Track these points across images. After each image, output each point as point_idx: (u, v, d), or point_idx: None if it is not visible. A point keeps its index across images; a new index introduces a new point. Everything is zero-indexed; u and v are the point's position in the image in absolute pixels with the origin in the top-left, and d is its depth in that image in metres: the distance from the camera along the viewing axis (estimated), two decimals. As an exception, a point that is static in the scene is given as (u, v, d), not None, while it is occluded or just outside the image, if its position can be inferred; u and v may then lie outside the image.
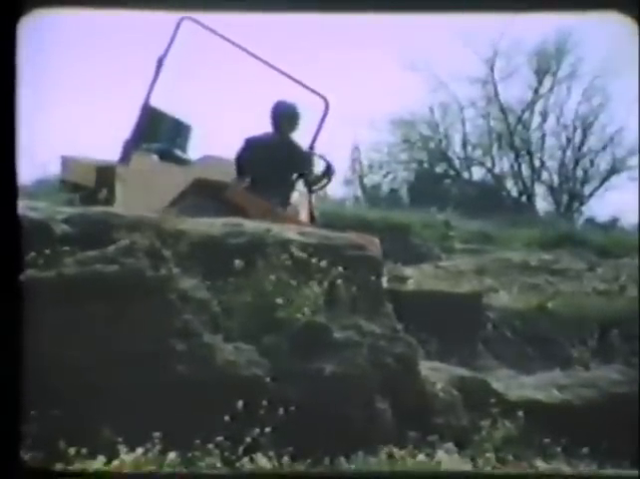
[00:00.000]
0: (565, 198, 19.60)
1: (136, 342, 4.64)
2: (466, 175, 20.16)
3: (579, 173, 19.61)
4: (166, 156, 7.33)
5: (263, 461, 4.37)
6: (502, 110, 19.66)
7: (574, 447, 5.16)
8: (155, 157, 7.29)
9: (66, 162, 7.78)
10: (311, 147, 7.49)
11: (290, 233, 5.40)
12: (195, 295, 4.93)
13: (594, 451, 5.16)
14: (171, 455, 4.23)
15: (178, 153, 7.45)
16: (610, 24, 3.72)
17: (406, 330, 5.32)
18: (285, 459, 4.42)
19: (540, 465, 5.02)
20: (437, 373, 5.41)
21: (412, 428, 4.88)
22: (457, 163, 20.12)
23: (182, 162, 7.36)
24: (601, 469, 5.09)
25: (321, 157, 7.28)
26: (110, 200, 7.05)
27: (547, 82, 19.63)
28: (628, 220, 17.72)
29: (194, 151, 7.78)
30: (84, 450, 4.13)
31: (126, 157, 7.30)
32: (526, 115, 19.76)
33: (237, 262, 5.07)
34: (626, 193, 19.78)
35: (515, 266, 8.82)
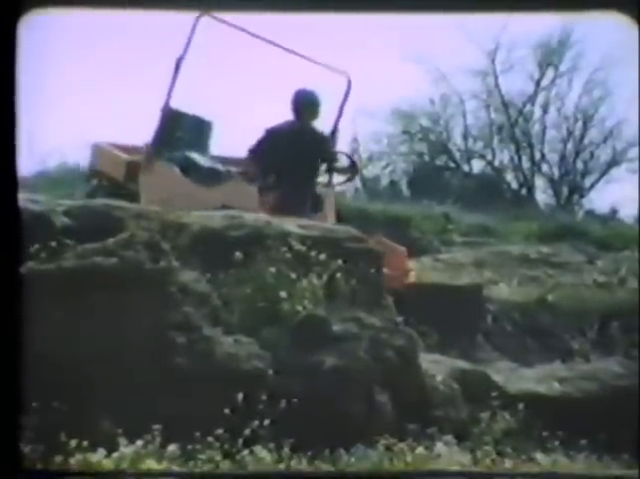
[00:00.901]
0: (565, 190, 19.57)
1: (135, 335, 4.64)
2: (466, 167, 20.12)
3: (579, 165, 19.58)
4: (189, 166, 7.17)
5: (263, 453, 4.37)
6: (503, 102, 19.63)
7: (574, 440, 5.16)
8: (177, 170, 7.12)
9: (96, 150, 7.68)
10: (336, 124, 7.47)
11: (290, 225, 5.40)
12: (195, 288, 4.93)
13: (594, 443, 5.17)
14: (171, 448, 4.23)
15: (201, 162, 7.27)
16: (610, 24, 3.72)
17: (406, 323, 5.33)
18: (285, 451, 4.43)
19: (540, 458, 5.02)
20: (437, 366, 5.42)
21: (411, 421, 4.89)
22: (457, 155, 20.09)
23: (205, 174, 7.14)
24: (600, 461, 5.10)
25: (344, 153, 7.28)
26: (135, 197, 6.98)
27: (549, 74, 19.60)
28: (628, 212, 17.74)
29: (217, 146, 7.73)
30: (84, 443, 4.14)
31: (149, 162, 7.20)
32: (527, 107, 19.73)
33: (237, 255, 5.06)
34: (626, 185, 19.78)
35: (515, 259, 8.82)
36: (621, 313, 6.95)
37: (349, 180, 7.35)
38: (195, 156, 7.33)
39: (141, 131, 7.81)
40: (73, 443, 4.13)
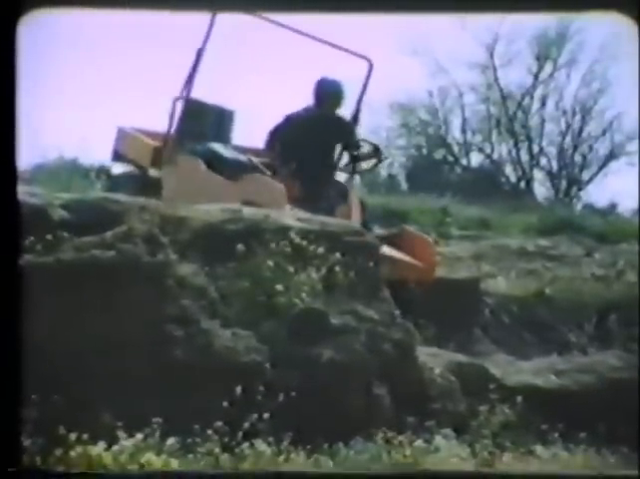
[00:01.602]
0: (564, 183, 19.59)
1: (134, 328, 4.64)
2: (464, 160, 20.14)
3: (578, 158, 19.60)
4: (213, 159, 7.04)
5: (262, 447, 4.38)
6: (502, 95, 19.63)
7: (572, 432, 5.17)
8: (201, 164, 7.01)
9: (121, 134, 7.58)
10: (357, 108, 7.43)
11: (289, 219, 5.40)
12: (193, 281, 4.94)
13: (592, 436, 5.18)
14: (171, 441, 4.24)
15: (224, 153, 7.14)
16: (610, 24, 3.71)
17: (403, 316, 5.33)
18: (284, 444, 4.44)
19: (539, 451, 5.03)
20: (434, 359, 5.42)
21: (410, 414, 4.90)
22: (455, 148, 20.09)
23: (229, 166, 6.99)
24: (599, 454, 5.11)
25: (366, 140, 7.23)
26: (159, 185, 6.91)
27: (548, 67, 19.60)
28: (626, 205, 17.75)
29: (240, 135, 7.62)
30: (84, 436, 4.14)
31: (172, 154, 7.11)
32: (526, 101, 19.73)
33: (236, 249, 5.07)
34: (625, 178, 19.79)
35: (513, 252, 8.83)
36: (619, 306, 6.96)
37: (375, 165, 7.27)
38: (219, 147, 7.20)
39: (153, 121, 7.77)
40: (72, 436, 4.14)
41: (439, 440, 4.78)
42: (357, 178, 7.29)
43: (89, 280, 4.68)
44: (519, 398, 5.23)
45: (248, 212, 5.42)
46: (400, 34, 18.13)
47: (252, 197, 6.49)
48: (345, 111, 7.23)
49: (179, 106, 7.24)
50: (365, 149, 7.07)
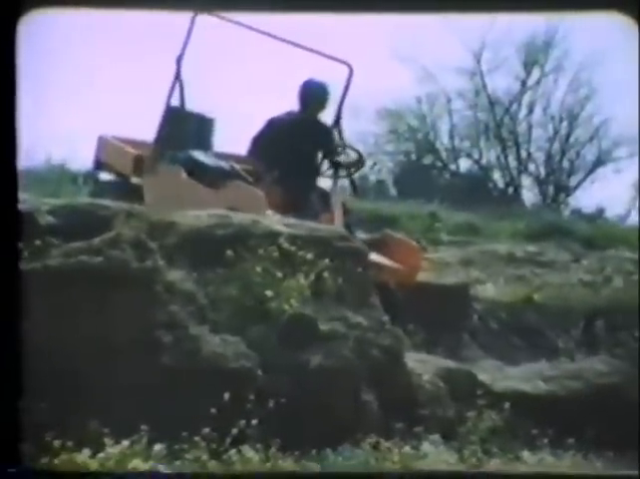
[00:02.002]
0: (552, 189, 19.64)
1: (121, 334, 4.63)
2: (453, 166, 20.18)
3: (565, 164, 19.66)
4: (194, 167, 7.01)
5: (250, 453, 4.37)
6: (490, 101, 19.68)
7: (560, 438, 5.18)
8: (182, 172, 6.99)
9: (102, 143, 7.54)
10: (338, 114, 7.40)
11: (277, 224, 5.40)
12: (182, 287, 4.93)
13: (580, 442, 5.19)
14: (158, 447, 4.23)
15: (205, 161, 7.11)
16: (610, 24, 3.73)
17: (392, 322, 5.33)
18: (272, 451, 4.43)
19: (526, 456, 5.04)
20: (423, 365, 5.43)
21: (398, 420, 4.90)
22: (444, 154, 20.13)
23: (210, 174, 6.97)
24: (586, 459, 5.12)
25: (349, 146, 7.21)
26: (141, 193, 6.88)
27: (535, 74, 19.66)
28: (614, 211, 17.81)
29: (221, 143, 7.59)
30: (69, 443, 4.13)
31: (153, 162, 7.10)
32: (514, 107, 19.79)
33: (224, 254, 5.06)
34: (612, 184, 19.87)
35: (502, 258, 8.84)
36: (606, 312, 6.98)
37: (354, 172, 7.26)
38: (200, 155, 7.18)
39: (137, 131, 7.76)
40: (58, 443, 4.12)
41: (426, 446, 4.78)
42: (342, 183, 7.26)
43: (77, 286, 4.66)
44: (507, 404, 5.24)
45: (237, 217, 5.41)
46: (387, 40, 18.17)
47: (233, 204, 6.48)
48: (328, 115, 7.24)
49: (161, 114, 7.25)
50: (347, 154, 7.07)
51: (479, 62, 19.40)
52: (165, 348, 4.67)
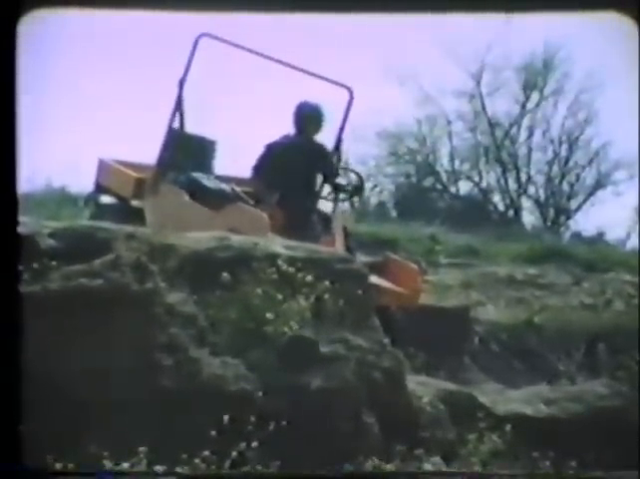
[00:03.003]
0: (552, 212, 19.67)
1: (122, 357, 4.62)
2: (453, 189, 20.21)
3: (565, 187, 19.69)
4: (196, 189, 7.03)
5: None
6: (490, 124, 19.74)
7: (561, 461, 5.16)
8: (184, 194, 7.00)
9: (102, 166, 7.56)
10: (338, 138, 7.44)
11: (277, 246, 5.40)
12: (182, 309, 4.92)
13: (581, 465, 5.17)
14: (157, 469, 4.21)
15: (207, 183, 7.12)
16: (610, 24, 3.73)
17: (393, 345, 5.32)
18: (272, 473, 4.41)
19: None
20: (424, 387, 5.41)
21: (399, 442, 4.88)
22: (444, 176, 20.17)
23: (212, 196, 7.00)
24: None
25: (350, 169, 7.24)
26: (142, 216, 6.88)
27: (534, 97, 19.74)
28: (613, 234, 17.82)
29: (221, 166, 7.61)
30: (70, 465, 4.11)
31: (155, 184, 7.10)
32: (514, 129, 19.85)
33: (224, 276, 5.06)
34: (611, 207, 19.89)
35: (502, 281, 8.84)
36: (607, 335, 6.97)
37: (355, 196, 7.29)
38: (201, 177, 7.20)
39: (141, 147, 7.78)
40: (59, 466, 4.11)
41: (427, 468, 4.76)
42: (344, 205, 7.29)
43: (77, 309, 4.66)
44: (508, 427, 5.23)
45: (236, 239, 5.42)
46: (387, 63, 18.24)
47: (235, 226, 6.47)
48: (327, 136, 7.27)
49: (163, 136, 7.28)
50: (348, 177, 7.11)
51: (478, 84, 19.50)
52: (166, 371, 4.67)
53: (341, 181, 7.07)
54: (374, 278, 6.50)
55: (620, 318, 7.10)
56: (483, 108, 19.74)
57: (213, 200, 7.00)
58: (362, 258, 6.95)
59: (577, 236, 17.97)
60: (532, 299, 8.20)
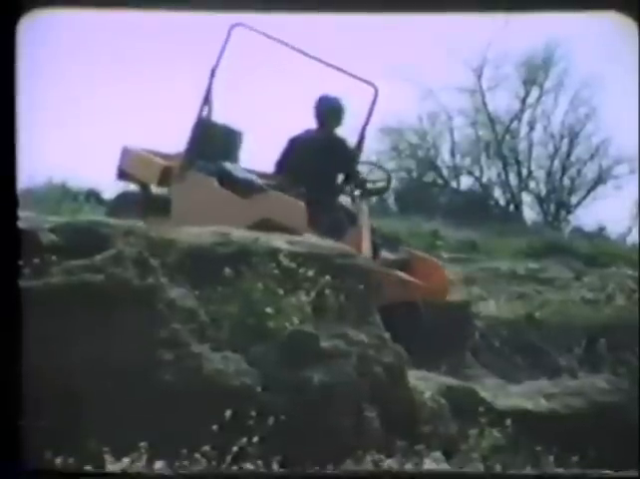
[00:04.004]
0: (553, 207, 19.66)
1: (123, 352, 4.62)
2: (454, 184, 20.21)
3: (566, 182, 19.68)
4: (225, 177, 6.97)
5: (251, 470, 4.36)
6: (490, 119, 19.73)
7: (562, 456, 5.16)
8: (214, 181, 6.94)
9: (126, 153, 7.47)
10: (362, 135, 7.42)
11: (278, 241, 5.40)
12: (183, 305, 4.92)
13: (582, 460, 5.17)
14: (158, 465, 4.21)
15: (236, 172, 7.08)
16: (610, 24, 3.73)
17: (394, 340, 5.32)
18: (273, 468, 4.41)
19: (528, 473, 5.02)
20: (425, 382, 5.41)
21: (400, 437, 4.88)
22: (445, 171, 20.17)
23: (241, 185, 6.94)
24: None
25: (376, 164, 7.22)
26: (164, 204, 6.84)
27: (535, 92, 19.73)
28: (614, 229, 17.82)
29: (246, 157, 7.56)
30: (70, 460, 4.11)
31: (183, 171, 7.03)
32: (514, 124, 19.83)
33: (225, 271, 5.06)
34: (612, 202, 19.88)
35: (503, 276, 8.84)
36: (608, 330, 6.97)
37: (379, 194, 7.25)
38: (230, 166, 7.15)
39: (141, 144, 7.71)
40: (59, 461, 4.11)
41: (428, 464, 4.76)
42: (366, 202, 7.20)
43: (78, 304, 4.66)
44: (509, 421, 5.22)
45: (237, 234, 5.42)
46: (388, 59, 18.23)
47: (271, 215, 6.39)
48: (348, 131, 7.24)
49: (191, 124, 7.18)
50: (374, 175, 7.07)
51: (479, 80, 19.48)
52: (167, 366, 4.67)
53: (366, 177, 7.04)
54: (401, 274, 6.51)
55: (621, 313, 7.10)
56: (484, 103, 19.73)
57: (243, 189, 6.90)
58: (387, 255, 6.95)
59: (578, 230, 17.97)
60: (533, 294, 8.20)
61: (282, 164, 7.00)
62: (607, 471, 4.96)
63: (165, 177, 7.14)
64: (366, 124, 7.39)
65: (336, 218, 6.72)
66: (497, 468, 4.97)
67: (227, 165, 7.12)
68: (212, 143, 7.23)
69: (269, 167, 7.26)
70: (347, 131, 7.34)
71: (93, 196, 8.00)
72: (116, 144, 7.72)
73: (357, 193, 6.99)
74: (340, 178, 7.05)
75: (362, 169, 7.06)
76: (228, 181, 6.98)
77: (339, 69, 7.19)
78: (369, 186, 7.03)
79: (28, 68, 3.62)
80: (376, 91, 7.31)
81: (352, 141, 7.27)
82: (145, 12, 4.00)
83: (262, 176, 7.24)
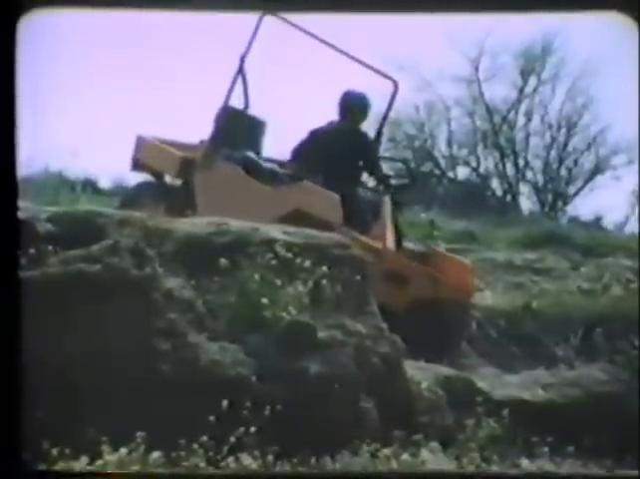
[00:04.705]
0: (550, 197, 19.66)
1: (120, 342, 4.62)
2: (451, 174, 20.20)
3: (563, 172, 19.67)
4: (250, 167, 6.87)
5: (248, 461, 4.36)
6: (488, 109, 19.72)
7: (559, 446, 5.17)
8: (240, 170, 6.83)
9: (142, 143, 7.32)
10: (379, 130, 7.38)
11: (275, 232, 5.40)
12: (180, 295, 4.92)
13: (578, 450, 5.18)
14: (155, 455, 4.22)
15: (261, 162, 6.99)
16: (610, 24, 3.73)
17: (391, 330, 5.32)
18: (270, 459, 4.42)
19: (525, 464, 5.03)
20: (422, 372, 5.42)
21: (397, 427, 4.89)
22: (442, 162, 20.15)
23: (267, 174, 6.84)
24: (585, 468, 5.11)
25: (401, 160, 7.20)
26: (191, 199, 6.76)
27: (532, 82, 19.71)
28: (612, 219, 17.83)
29: (269, 147, 7.46)
30: (67, 450, 4.11)
31: (207, 160, 6.91)
32: (511, 114, 19.82)
33: (222, 262, 5.05)
34: (610, 192, 19.88)
35: (500, 266, 8.85)
36: (605, 320, 6.98)
37: (402, 191, 7.17)
38: (254, 156, 7.04)
39: (137, 132, 7.63)
40: (55, 451, 4.11)
41: (425, 454, 4.77)
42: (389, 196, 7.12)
43: (75, 294, 4.65)
44: (506, 411, 5.23)
45: (234, 224, 5.41)
46: (385, 49, 18.18)
47: (305, 205, 6.30)
48: (370, 126, 7.21)
49: (218, 112, 7.05)
50: (397, 171, 7.06)
51: (476, 70, 19.45)
52: (164, 356, 4.67)
53: (389, 173, 7.02)
54: (429, 269, 6.48)
55: (618, 303, 7.11)
56: (481, 93, 19.71)
57: (268, 179, 6.80)
58: (409, 245, 6.92)
59: (575, 221, 17.97)
60: (530, 284, 8.20)
61: (299, 151, 6.94)
62: (606, 462, 4.99)
63: (184, 168, 7.03)
64: (384, 118, 7.37)
65: (360, 210, 6.67)
66: (494, 458, 4.98)
67: (252, 154, 7.03)
68: (237, 132, 7.06)
69: (285, 156, 7.19)
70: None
71: (89, 185, 7.95)
72: (115, 143, 7.71)
73: (380, 187, 6.95)
74: (362, 172, 6.98)
75: (385, 165, 7.03)
76: (254, 170, 6.89)
77: (361, 62, 7.10)
78: (392, 181, 7.01)
79: (28, 68, 3.62)
80: (396, 86, 7.27)
81: (372, 134, 7.24)
82: (145, 12, 4.00)
83: (280, 164, 7.17)
